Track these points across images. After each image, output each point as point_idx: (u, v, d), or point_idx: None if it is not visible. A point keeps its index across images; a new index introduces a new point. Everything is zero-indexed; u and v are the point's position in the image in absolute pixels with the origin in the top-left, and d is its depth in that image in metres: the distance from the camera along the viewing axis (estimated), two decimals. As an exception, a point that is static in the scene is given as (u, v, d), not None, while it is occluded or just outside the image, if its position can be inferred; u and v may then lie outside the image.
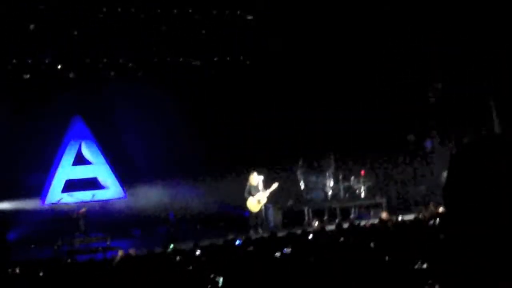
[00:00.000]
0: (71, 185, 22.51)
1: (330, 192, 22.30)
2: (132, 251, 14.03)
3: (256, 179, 20.44)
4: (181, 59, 22.87)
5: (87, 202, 21.52)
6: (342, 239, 12.52)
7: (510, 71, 20.86)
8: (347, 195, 22.42)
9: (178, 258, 11.98)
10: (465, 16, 20.78)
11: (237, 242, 13.53)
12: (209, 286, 7.82)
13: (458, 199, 2.33)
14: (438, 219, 15.07)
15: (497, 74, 21.45)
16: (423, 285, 7.03)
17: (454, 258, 2.31)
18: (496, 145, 2.31)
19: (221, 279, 7.78)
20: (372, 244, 10.82)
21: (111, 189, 23.14)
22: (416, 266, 8.33)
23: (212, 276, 7.99)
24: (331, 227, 16.42)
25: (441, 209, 18.20)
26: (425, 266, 8.21)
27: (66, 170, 22.61)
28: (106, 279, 9.18)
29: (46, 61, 21.96)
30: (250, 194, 20.34)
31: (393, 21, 21.89)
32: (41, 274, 10.49)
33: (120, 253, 13.55)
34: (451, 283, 2.39)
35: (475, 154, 2.33)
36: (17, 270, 11.24)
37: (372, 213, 21.62)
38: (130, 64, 22.81)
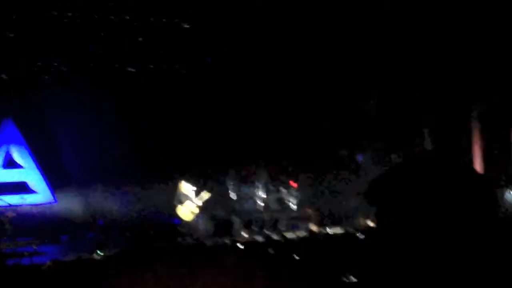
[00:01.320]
0: (-1, 189, 22.25)
1: (261, 203, 22.41)
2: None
3: (186, 187, 20.43)
4: (116, 65, 22.75)
5: (15, 206, 21.25)
6: (271, 250, 12.61)
7: (444, 89, 21.26)
8: (277, 206, 22.55)
9: (105, 264, 11.96)
10: (401, 29, 21.05)
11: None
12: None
13: (386, 212, 2.41)
14: (367, 232, 15.31)
15: (430, 91, 21.81)
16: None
17: (382, 272, 2.39)
18: (427, 163, 2.40)
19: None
20: (298, 256, 10.91)
21: (41, 194, 22.90)
22: (345, 279, 8.44)
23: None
24: (260, 238, 16.53)
25: (370, 223, 18.48)
26: (354, 279, 8.34)
27: (-5, 173, 22.35)
28: (34, 284, 9.12)
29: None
30: (180, 202, 20.33)
31: (326, 30, 22.02)
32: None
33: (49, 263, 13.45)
34: None
35: (406, 171, 2.42)
36: None
37: (301, 225, 21.79)
38: (64, 68, 22.62)
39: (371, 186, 2.50)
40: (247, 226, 21.35)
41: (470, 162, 21.25)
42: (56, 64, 22.34)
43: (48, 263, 12.88)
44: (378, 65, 22.00)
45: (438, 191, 2.27)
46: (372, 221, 19.30)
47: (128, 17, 22.00)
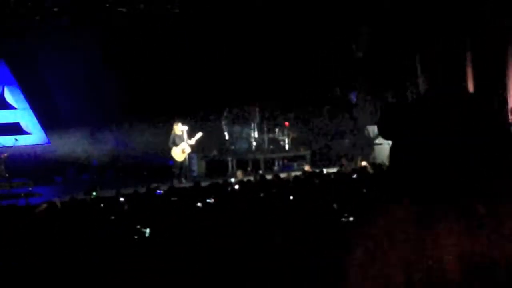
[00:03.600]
0: (-7, 130, 22.26)
1: (254, 143, 22.46)
2: (56, 201, 13.94)
3: (180, 128, 20.40)
4: (107, 5, 22.54)
5: (9, 147, 21.24)
6: (263, 190, 12.61)
7: (437, 28, 21.12)
8: (271, 146, 22.60)
9: (101, 205, 11.97)
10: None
11: (158, 192, 13.57)
12: (136, 237, 7.86)
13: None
14: (360, 172, 15.34)
15: (424, 30, 21.69)
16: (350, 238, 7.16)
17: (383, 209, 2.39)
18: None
19: (148, 230, 7.81)
20: (293, 197, 10.93)
21: (34, 135, 22.93)
22: (343, 219, 8.44)
23: (138, 227, 8.02)
24: (254, 178, 16.55)
25: (364, 163, 18.52)
26: (351, 219, 8.33)
27: (-12, 114, 22.35)
28: (29, 225, 9.14)
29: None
30: (174, 143, 20.31)
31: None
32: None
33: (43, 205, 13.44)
34: (377, 235, 2.45)
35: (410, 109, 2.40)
36: None
37: (295, 165, 21.86)
38: (55, 9, 22.40)
39: (385, 121, 2.49)
40: (241, 166, 21.40)
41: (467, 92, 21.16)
42: (47, 4, 22.12)
43: (43, 204, 12.90)
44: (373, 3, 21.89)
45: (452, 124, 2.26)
46: (365, 160, 19.41)
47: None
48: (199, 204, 10.73)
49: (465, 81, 21.88)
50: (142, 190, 13.91)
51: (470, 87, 21.87)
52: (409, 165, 2.35)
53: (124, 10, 22.31)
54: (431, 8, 20.80)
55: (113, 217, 9.73)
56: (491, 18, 20.73)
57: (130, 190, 13.91)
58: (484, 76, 21.14)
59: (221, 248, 6.61)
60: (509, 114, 20.22)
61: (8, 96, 22.77)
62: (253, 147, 22.42)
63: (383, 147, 19.25)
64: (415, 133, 2.33)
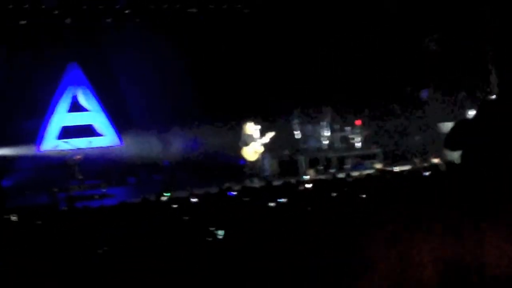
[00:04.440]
0: (67, 132, 22.51)
1: (326, 142, 22.30)
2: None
3: (251, 128, 20.37)
4: (177, 5, 22.66)
5: (83, 149, 21.50)
6: (336, 189, 12.49)
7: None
8: (343, 145, 22.43)
9: (175, 206, 11.97)
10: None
11: (230, 193, 13.52)
12: (210, 239, 7.82)
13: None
14: (434, 170, 15.10)
15: (496, 28, 21.35)
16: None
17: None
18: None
19: (222, 232, 7.75)
20: (365, 195, 10.78)
21: (107, 137, 23.15)
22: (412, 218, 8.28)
23: (212, 229, 7.97)
24: (327, 177, 16.44)
25: (436, 160, 18.24)
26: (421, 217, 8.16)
27: (62, 117, 22.62)
28: (102, 226, 9.19)
29: (43, 7, 21.74)
30: (246, 143, 20.29)
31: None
32: (39, 222, 10.49)
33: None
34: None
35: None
36: (13, 218, 11.20)
37: (367, 163, 21.64)
38: (127, 11, 22.61)
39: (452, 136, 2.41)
40: (312, 165, 21.28)
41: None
42: (119, 6, 22.35)
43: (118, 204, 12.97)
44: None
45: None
46: (438, 158, 19.11)
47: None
48: (271, 204, 10.66)
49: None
50: (214, 190, 13.89)
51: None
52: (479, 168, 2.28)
53: (194, 10, 22.38)
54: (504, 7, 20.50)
55: (186, 218, 9.71)
56: None
57: (202, 191, 13.90)
58: None
59: (294, 249, 6.54)
60: None
61: (81, 99, 23.03)
62: (325, 146, 22.25)
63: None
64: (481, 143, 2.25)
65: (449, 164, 15.90)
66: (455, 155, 18.07)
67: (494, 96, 19.16)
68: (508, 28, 20.81)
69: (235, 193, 13.27)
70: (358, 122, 22.54)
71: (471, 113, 19.15)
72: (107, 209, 12.41)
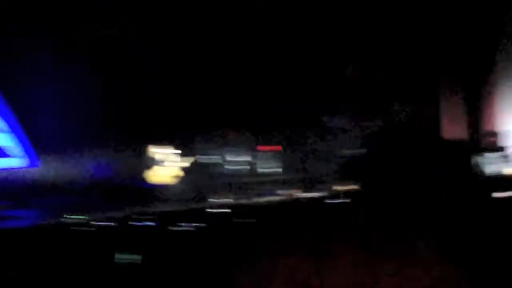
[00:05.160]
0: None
1: (242, 167, 22.35)
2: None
3: (166, 150, 20.39)
4: (93, 26, 22.51)
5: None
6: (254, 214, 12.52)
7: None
8: (259, 170, 22.51)
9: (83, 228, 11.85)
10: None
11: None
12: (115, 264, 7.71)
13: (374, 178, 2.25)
14: (341, 198, 15.28)
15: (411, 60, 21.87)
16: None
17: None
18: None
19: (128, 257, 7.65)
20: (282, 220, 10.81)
21: (18, 158, 22.74)
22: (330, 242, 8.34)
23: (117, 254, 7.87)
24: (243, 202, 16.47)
25: (350, 187, 18.45)
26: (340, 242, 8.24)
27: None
28: (14, 248, 8.97)
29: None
30: (161, 166, 20.27)
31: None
32: None
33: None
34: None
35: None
36: None
37: (283, 189, 21.71)
38: (40, 29, 22.33)
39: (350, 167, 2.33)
40: (229, 189, 21.30)
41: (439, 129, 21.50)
42: (32, 24, 22.03)
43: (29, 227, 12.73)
44: (360, 29, 21.95)
45: (414, 161, 2.12)
46: (354, 184, 19.32)
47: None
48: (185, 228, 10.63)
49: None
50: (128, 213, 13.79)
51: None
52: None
53: (112, 31, 22.25)
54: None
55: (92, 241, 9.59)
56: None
57: (117, 214, 13.78)
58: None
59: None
60: None
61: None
62: (242, 171, 22.30)
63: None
64: None
65: (352, 192, 16.16)
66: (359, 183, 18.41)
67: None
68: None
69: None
70: (275, 148, 22.65)
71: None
72: (16, 231, 12.15)
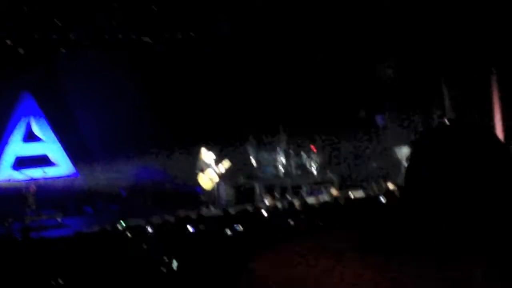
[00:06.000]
0: (21, 162, 22.34)
1: (281, 169, 22.38)
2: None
3: (206, 155, 20.43)
4: (132, 34, 22.63)
5: (37, 179, 21.33)
6: (293, 216, 12.54)
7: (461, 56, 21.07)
8: (298, 171, 22.51)
9: (129, 235, 11.93)
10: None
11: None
12: (164, 269, 7.83)
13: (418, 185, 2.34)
14: (388, 196, 15.20)
15: (450, 56, 21.60)
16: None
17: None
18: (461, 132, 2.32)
19: (175, 262, 7.76)
20: (321, 222, 10.86)
21: (62, 166, 22.97)
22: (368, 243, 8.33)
23: (166, 259, 7.97)
24: (282, 204, 16.50)
25: (391, 186, 18.37)
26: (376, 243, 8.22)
27: (16, 147, 22.44)
28: (58, 257, 9.14)
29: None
30: (201, 170, 20.33)
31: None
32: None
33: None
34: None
35: (441, 141, 2.34)
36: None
37: (323, 189, 21.72)
38: (81, 38, 22.51)
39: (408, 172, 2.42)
40: (269, 192, 21.31)
41: (491, 127, 20.95)
42: (72, 35, 22.24)
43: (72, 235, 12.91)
44: (398, 24, 21.76)
45: (462, 162, 2.20)
46: (393, 183, 19.24)
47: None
48: (228, 231, 10.68)
49: (490, 110, 21.77)
50: (171, 218, 13.88)
51: (497, 118, 21.74)
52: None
53: (148, 40, 22.37)
54: (456, 35, 20.73)
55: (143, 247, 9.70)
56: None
57: (159, 219, 13.89)
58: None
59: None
60: None
61: (35, 128, 22.87)
62: (281, 173, 22.34)
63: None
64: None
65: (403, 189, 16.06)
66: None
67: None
68: (461, 52, 21.08)
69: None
70: (313, 148, 22.64)
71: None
72: (63, 239, 12.33)
